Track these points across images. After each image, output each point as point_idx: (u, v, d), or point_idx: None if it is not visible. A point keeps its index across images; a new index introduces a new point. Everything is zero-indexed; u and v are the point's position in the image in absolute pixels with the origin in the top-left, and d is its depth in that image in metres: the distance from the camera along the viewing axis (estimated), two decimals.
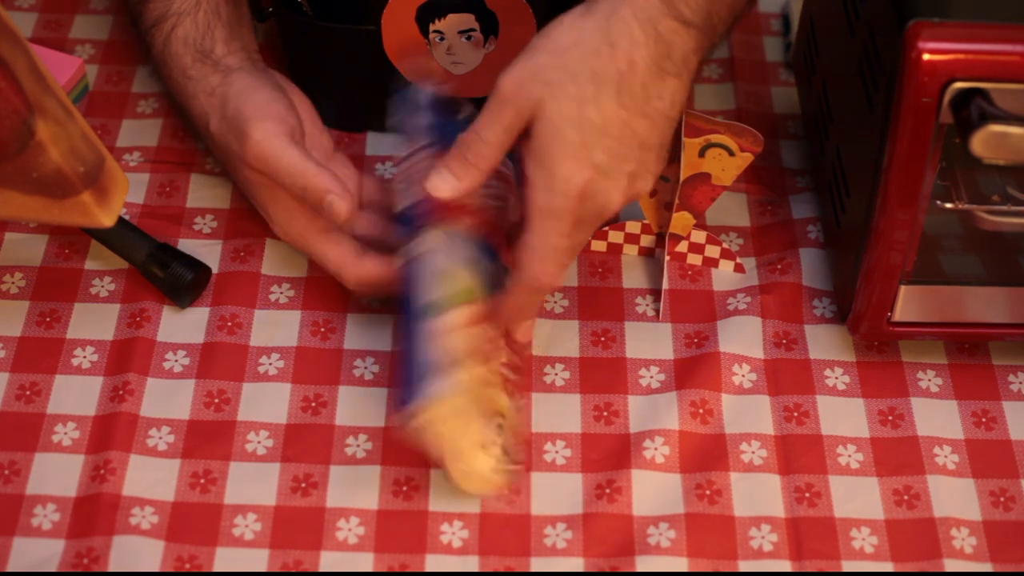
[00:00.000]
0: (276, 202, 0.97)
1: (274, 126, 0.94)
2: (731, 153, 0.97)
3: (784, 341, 0.99)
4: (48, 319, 0.98)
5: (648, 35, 0.83)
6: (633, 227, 1.02)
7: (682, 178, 0.97)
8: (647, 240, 1.03)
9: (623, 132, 0.84)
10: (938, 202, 0.89)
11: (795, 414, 0.95)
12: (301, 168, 0.92)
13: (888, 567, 0.88)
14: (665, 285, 1.00)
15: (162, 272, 0.98)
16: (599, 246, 1.03)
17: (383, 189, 0.99)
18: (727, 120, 0.94)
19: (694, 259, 1.03)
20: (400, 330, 0.91)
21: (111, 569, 0.85)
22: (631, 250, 1.03)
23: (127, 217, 1.04)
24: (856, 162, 0.94)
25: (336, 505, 0.89)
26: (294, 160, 0.92)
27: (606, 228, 1.02)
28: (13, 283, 1.00)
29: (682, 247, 1.02)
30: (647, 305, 1.01)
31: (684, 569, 0.87)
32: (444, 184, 0.87)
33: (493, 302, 0.88)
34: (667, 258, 1.01)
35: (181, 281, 0.98)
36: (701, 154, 0.96)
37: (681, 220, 1.00)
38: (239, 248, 1.03)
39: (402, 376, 0.87)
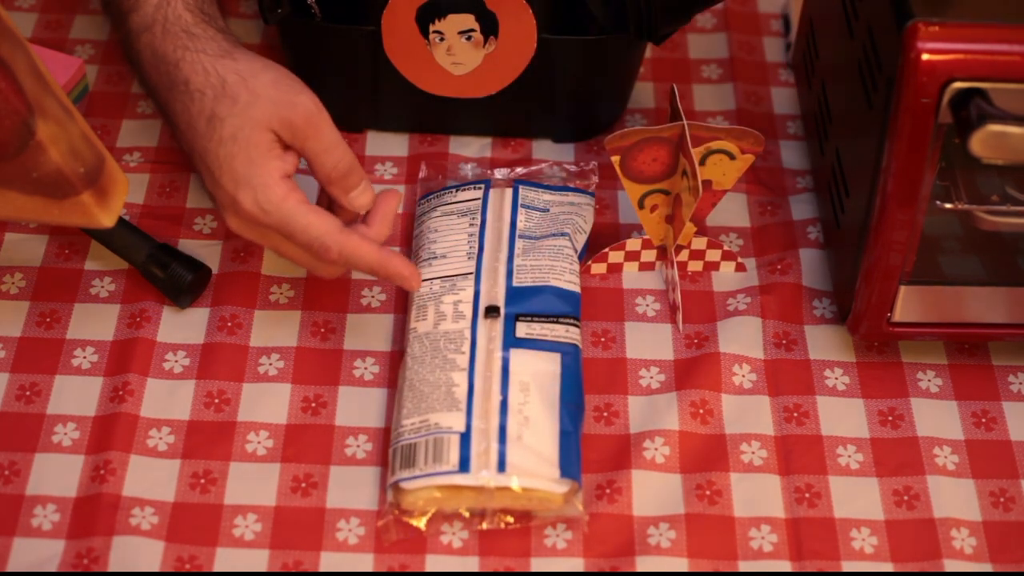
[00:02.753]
0: (255, 167, 0.89)
1: (286, 186, 0.91)
2: (732, 157, 0.96)
3: (784, 341, 0.99)
4: (48, 319, 0.98)
5: None
6: (633, 244, 1.01)
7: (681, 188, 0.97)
8: (648, 255, 1.02)
9: None
10: (938, 202, 0.89)
11: (795, 414, 0.95)
12: (369, 252, 0.92)
13: (888, 567, 0.88)
14: (679, 297, 1.00)
15: (162, 272, 0.98)
16: (599, 269, 1.02)
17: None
18: (727, 124, 0.94)
19: (695, 266, 1.02)
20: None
21: (111, 569, 0.85)
22: (632, 267, 1.03)
23: (127, 217, 1.04)
24: (856, 162, 0.94)
25: (336, 505, 0.89)
26: (355, 241, 0.91)
27: (606, 250, 1.02)
28: (13, 283, 1.00)
29: (683, 256, 1.02)
30: (647, 305, 1.01)
31: (684, 569, 0.87)
32: None
33: None
34: (676, 271, 1.00)
35: (181, 281, 0.98)
36: (702, 162, 0.96)
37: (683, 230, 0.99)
38: (239, 248, 1.03)
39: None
